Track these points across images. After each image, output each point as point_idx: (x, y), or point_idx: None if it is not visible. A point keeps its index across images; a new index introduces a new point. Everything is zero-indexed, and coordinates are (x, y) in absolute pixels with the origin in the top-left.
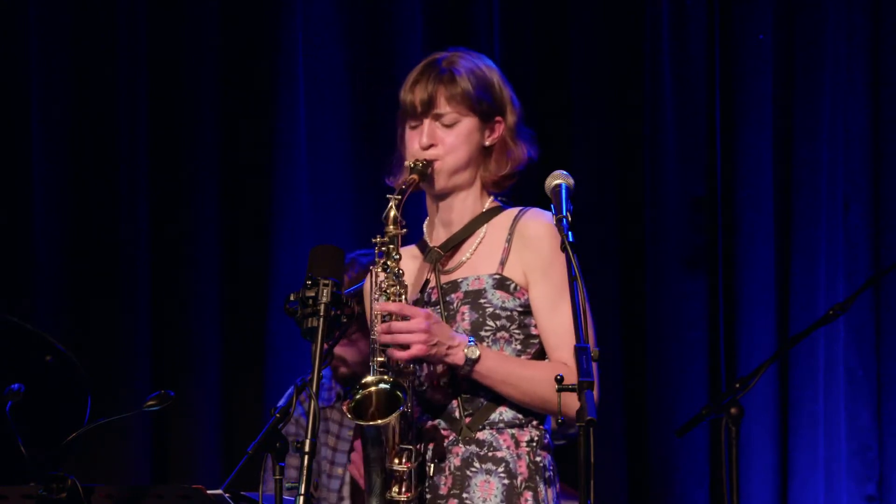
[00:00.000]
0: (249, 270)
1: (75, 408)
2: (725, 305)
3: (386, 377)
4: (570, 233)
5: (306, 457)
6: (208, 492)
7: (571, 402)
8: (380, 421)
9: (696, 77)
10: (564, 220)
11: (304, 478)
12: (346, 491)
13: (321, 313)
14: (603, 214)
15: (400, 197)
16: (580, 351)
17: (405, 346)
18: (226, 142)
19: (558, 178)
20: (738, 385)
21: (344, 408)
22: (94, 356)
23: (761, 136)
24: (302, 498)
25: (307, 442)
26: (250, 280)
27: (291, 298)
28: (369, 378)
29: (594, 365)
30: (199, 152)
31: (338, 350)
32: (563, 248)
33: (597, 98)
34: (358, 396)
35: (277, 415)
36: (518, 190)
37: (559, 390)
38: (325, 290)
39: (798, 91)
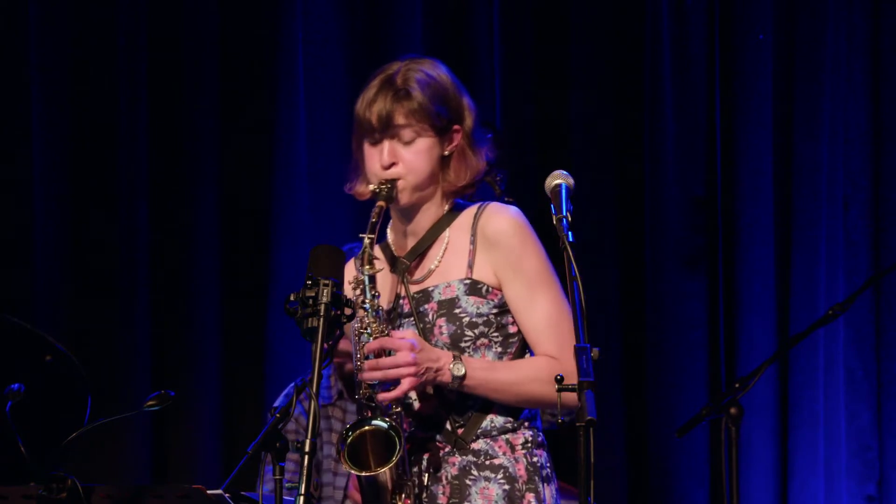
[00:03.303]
0: (249, 270)
1: (75, 408)
2: (725, 305)
3: (377, 416)
4: (569, 233)
5: (306, 457)
6: (208, 492)
7: (569, 399)
8: (379, 470)
9: (697, 77)
10: (564, 220)
11: (304, 478)
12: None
13: (321, 313)
14: (603, 214)
15: (373, 236)
16: (580, 351)
17: (395, 382)
18: (226, 141)
19: (558, 178)
20: (738, 385)
21: (340, 458)
22: (94, 356)
23: (761, 136)
24: (302, 498)
25: (307, 442)
26: (250, 280)
27: (291, 298)
28: (360, 419)
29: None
30: (199, 152)
31: (342, 346)
32: (563, 249)
33: (597, 98)
34: (350, 440)
35: (278, 415)
36: (519, 190)
37: (559, 390)
38: (325, 290)
39: (798, 91)
